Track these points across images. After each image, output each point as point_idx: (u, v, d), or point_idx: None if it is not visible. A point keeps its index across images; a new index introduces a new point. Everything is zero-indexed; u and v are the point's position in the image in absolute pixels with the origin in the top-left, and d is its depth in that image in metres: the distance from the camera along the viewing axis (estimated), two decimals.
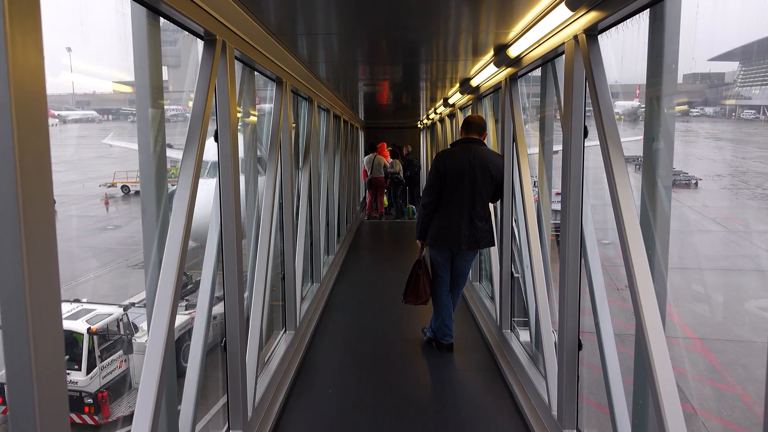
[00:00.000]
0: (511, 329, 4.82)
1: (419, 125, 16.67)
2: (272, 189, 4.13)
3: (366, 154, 13.92)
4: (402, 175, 14.12)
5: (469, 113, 7.98)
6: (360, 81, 7.11)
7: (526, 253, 4.65)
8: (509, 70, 4.48)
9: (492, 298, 5.80)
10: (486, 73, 5.16)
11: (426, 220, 4.77)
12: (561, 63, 3.62)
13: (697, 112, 18.59)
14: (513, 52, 4.02)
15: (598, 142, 2.57)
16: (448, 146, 5.05)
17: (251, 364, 3.49)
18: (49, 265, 1.31)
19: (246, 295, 3.64)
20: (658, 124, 2.43)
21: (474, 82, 5.87)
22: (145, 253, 2.48)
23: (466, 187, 4.61)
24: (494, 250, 5.31)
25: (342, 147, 10.00)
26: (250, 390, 3.35)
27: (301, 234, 5.56)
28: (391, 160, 14.33)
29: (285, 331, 4.85)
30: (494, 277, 5.36)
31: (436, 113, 10.93)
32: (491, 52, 4.63)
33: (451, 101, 8.11)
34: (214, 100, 2.80)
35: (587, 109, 2.96)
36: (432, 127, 13.15)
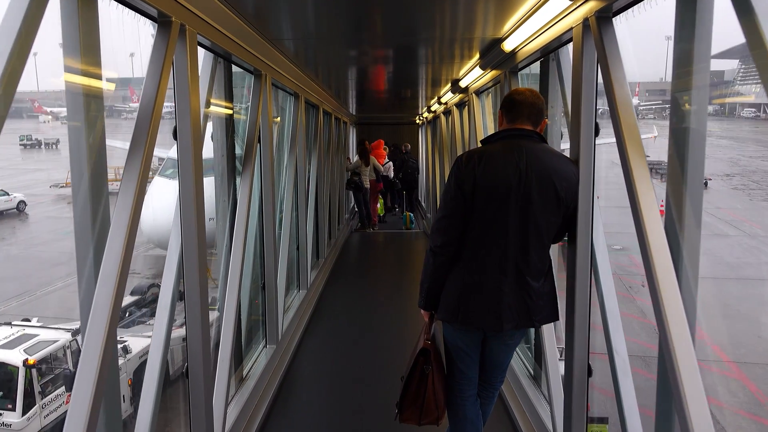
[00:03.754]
0: None
1: (418, 120, 14.74)
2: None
3: (358, 153, 11.62)
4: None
5: (488, 102, 5.84)
6: (339, 45, 4.94)
7: (614, 332, 2.58)
8: (594, 3, 2.40)
9: (536, 379, 3.72)
10: (540, 20, 3.05)
11: (437, 276, 2.65)
12: None
13: None
14: None
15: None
16: (478, 144, 2.90)
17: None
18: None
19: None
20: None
21: (508, 45, 3.75)
22: None
23: (512, 216, 2.49)
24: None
25: (321, 145, 7.84)
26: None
27: (234, 276, 3.47)
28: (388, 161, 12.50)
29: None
30: (549, 370, 3.20)
31: (440, 103, 8.79)
32: None
33: (462, 83, 5.96)
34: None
35: None
36: (434, 121, 11.08)
